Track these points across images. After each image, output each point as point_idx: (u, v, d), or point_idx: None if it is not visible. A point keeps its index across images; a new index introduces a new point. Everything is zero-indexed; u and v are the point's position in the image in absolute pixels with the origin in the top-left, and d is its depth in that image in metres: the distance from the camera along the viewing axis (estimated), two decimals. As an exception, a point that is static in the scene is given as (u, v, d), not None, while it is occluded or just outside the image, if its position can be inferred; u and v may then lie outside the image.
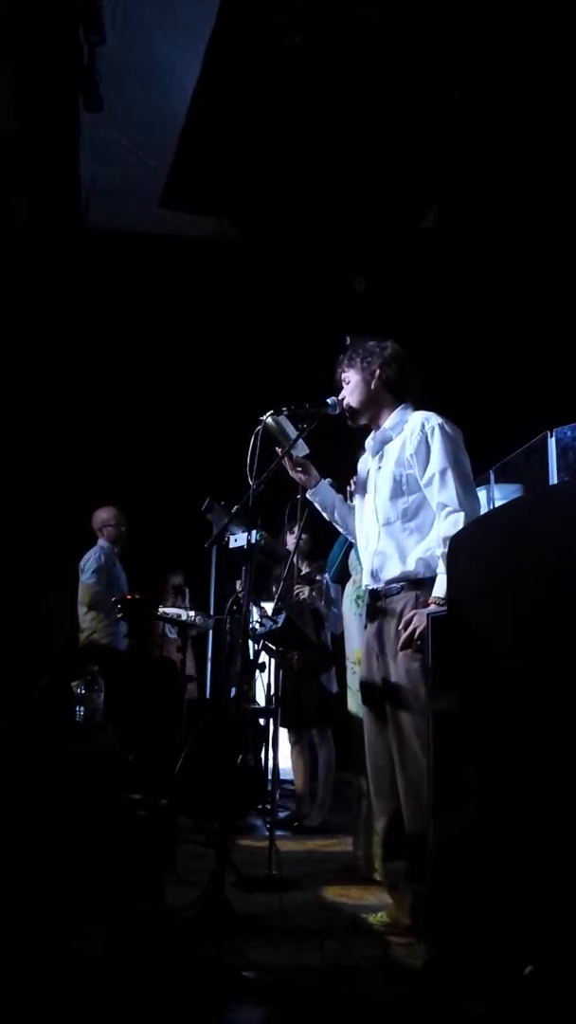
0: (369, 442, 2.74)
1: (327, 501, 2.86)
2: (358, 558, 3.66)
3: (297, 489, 2.93)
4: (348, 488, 3.09)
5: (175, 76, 4.81)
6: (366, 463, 2.78)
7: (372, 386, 2.67)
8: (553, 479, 4.82)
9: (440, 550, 2.39)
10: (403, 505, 2.54)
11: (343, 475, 3.31)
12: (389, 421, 2.66)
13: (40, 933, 2.26)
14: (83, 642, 4.84)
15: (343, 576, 3.93)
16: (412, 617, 2.38)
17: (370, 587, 2.66)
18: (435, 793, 1.99)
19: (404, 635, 2.39)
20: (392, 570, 2.54)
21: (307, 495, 2.86)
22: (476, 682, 1.58)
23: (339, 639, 4.52)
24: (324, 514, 2.91)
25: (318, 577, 4.57)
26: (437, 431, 2.50)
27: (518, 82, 4.57)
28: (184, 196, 5.77)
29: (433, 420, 2.53)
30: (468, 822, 1.68)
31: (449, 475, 2.45)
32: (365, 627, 2.70)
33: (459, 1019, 1.56)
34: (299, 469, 2.77)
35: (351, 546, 3.81)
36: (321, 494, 2.84)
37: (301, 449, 2.77)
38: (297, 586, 4.55)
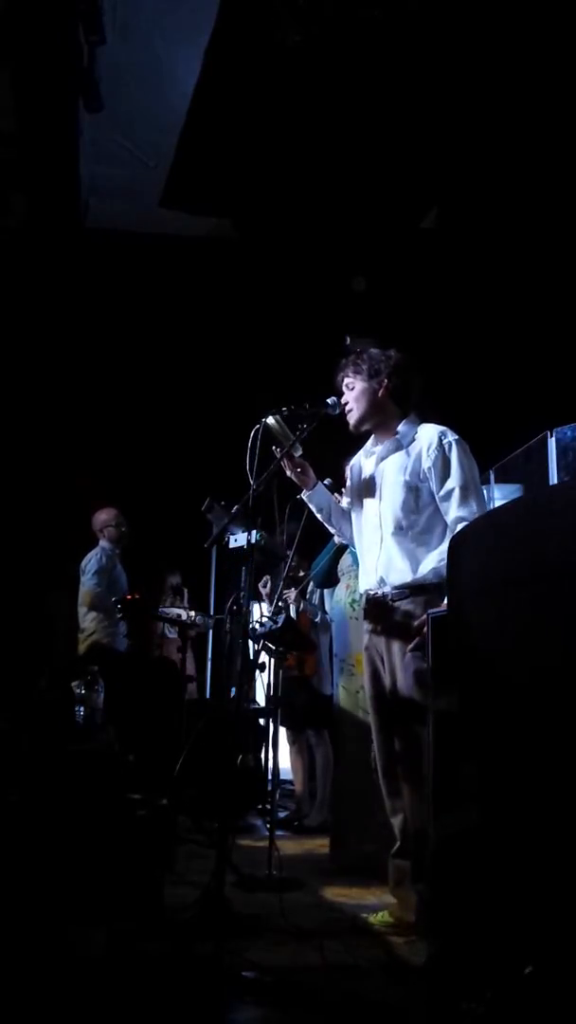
0: (372, 447, 2.74)
1: (323, 503, 2.87)
2: (353, 561, 3.67)
3: (295, 489, 2.94)
4: (342, 492, 3.10)
5: (175, 76, 4.80)
6: (364, 467, 2.79)
7: (379, 395, 2.69)
8: (553, 479, 4.83)
9: None
10: (415, 515, 2.57)
11: (340, 476, 3.31)
12: (399, 430, 2.68)
13: (40, 933, 2.26)
14: (84, 643, 4.83)
15: (331, 581, 3.94)
16: (423, 621, 2.40)
17: (372, 592, 2.66)
18: (435, 793, 1.99)
19: (416, 639, 2.41)
20: (401, 577, 2.56)
21: (303, 496, 2.86)
22: (476, 682, 1.58)
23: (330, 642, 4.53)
24: (319, 516, 2.92)
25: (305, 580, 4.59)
26: (455, 446, 2.56)
27: (519, 81, 4.56)
28: (184, 196, 5.76)
29: (450, 435, 2.60)
30: (468, 822, 1.68)
31: (470, 491, 2.52)
32: (367, 630, 2.70)
33: (459, 1019, 1.56)
34: (298, 470, 2.78)
35: (340, 552, 3.82)
36: (318, 496, 2.85)
37: (295, 450, 2.77)
38: (286, 592, 4.56)
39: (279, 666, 3.66)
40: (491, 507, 4.25)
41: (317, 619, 4.57)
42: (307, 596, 4.62)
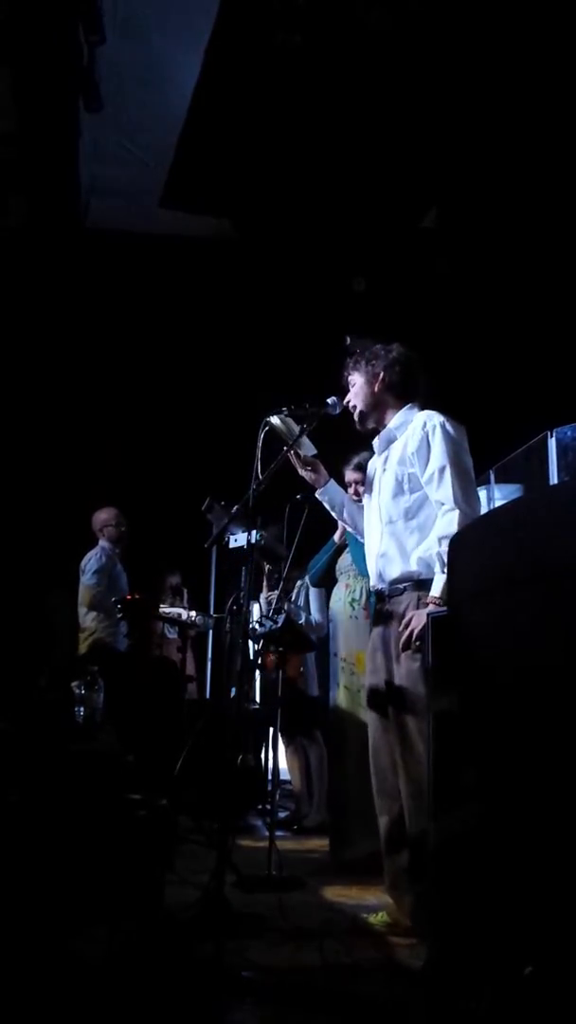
0: (375, 442, 2.74)
1: (336, 500, 2.86)
2: (352, 560, 3.68)
3: (293, 490, 2.94)
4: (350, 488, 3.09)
5: (175, 76, 4.81)
6: (374, 463, 2.78)
7: (376, 388, 2.67)
8: (553, 479, 4.83)
9: (437, 549, 2.39)
10: (405, 504, 2.54)
11: (338, 479, 3.31)
12: (394, 421, 2.66)
13: (40, 933, 2.26)
14: (84, 642, 4.83)
15: (328, 581, 3.94)
16: (411, 618, 2.39)
17: (374, 587, 2.66)
18: (435, 793, 1.99)
19: (404, 635, 2.40)
20: (395, 570, 2.54)
21: (316, 494, 2.86)
22: (476, 682, 1.58)
23: (321, 643, 4.53)
24: (333, 513, 2.91)
25: (298, 583, 4.59)
26: (438, 429, 2.50)
27: (518, 81, 4.57)
28: (184, 196, 5.77)
29: (435, 419, 2.53)
30: (468, 822, 1.68)
31: (447, 473, 2.44)
32: (371, 628, 2.71)
33: (459, 1019, 1.56)
34: (308, 468, 2.77)
35: (339, 551, 3.83)
36: (330, 493, 2.84)
37: (309, 448, 2.77)
38: (271, 593, 4.56)
39: (280, 666, 3.66)
40: (491, 507, 4.25)
41: (301, 620, 4.56)
42: (291, 598, 4.61)
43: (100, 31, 4.27)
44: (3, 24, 4.08)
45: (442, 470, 2.45)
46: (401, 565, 2.52)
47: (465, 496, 2.44)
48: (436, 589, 2.35)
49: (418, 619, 2.34)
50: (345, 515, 2.88)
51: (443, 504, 2.44)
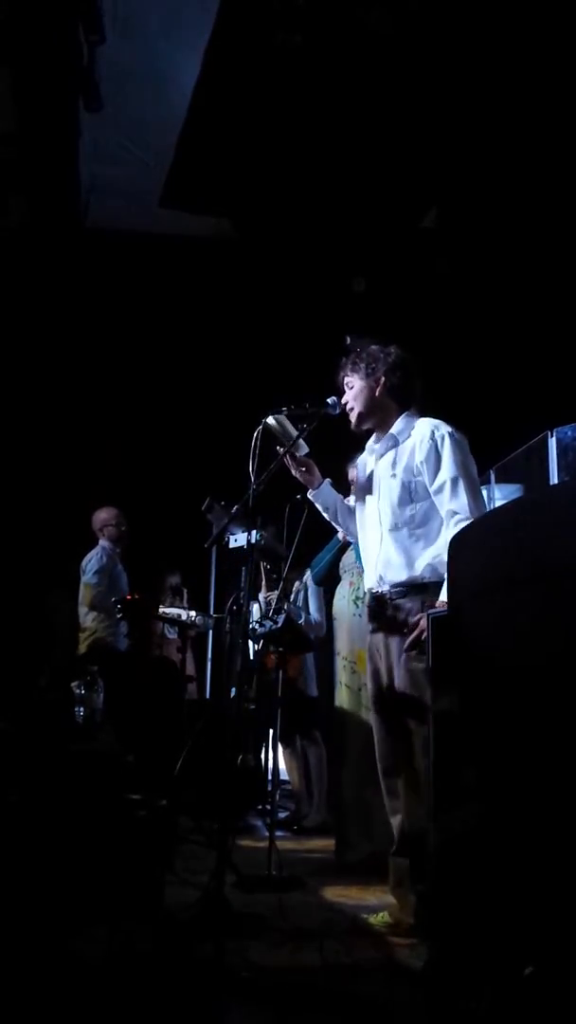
0: (373, 445, 2.74)
1: (329, 501, 2.87)
2: (356, 558, 3.67)
3: (294, 490, 2.94)
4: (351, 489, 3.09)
5: (175, 76, 4.81)
6: (367, 465, 2.78)
7: (377, 392, 2.67)
8: (553, 479, 4.83)
9: None
10: (411, 512, 2.55)
11: (341, 475, 3.31)
12: (396, 427, 2.67)
13: (40, 933, 2.26)
14: (84, 642, 4.83)
15: (331, 579, 3.94)
16: (419, 619, 2.39)
17: (374, 590, 2.66)
18: (435, 793, 1.99)
19: (410, 637, 2.40)
20: (399, 575, 2.55)
21: (309, 495, 2.86)
22: (476, 682, 1.58)
23: (322, 643, 4.53)
24: (325, 515, 2.92)
25: (296, 583, 4.59)
26: (447, 439, 2.52)
27: (518, 81, 4.57)
28: (184, 196, 5.77)
29: (443, 428, 2.56)
30: (469, 822, 1.68)
31: (460, 483, 2.47)
32: (369, 628, 2.71)
33: (459, 1019, 1.56)
34: (303, 469, 2.78)
35: (343, 549, 3.83)
36: (323, 494, 2.85)
37: (300, 449, 2.77)
38: (269, 593, 4.56)
39: (280, 666, 3.66)
40: (491, 507, 4.25)
41: (301, 620, 4.55)
42: (290, 598, 4.61)
43: (100, 31, 4.27)
44: (3, 24, 4.08)
45: (455, 480, 2.48)
46: (406, 571, 2.54)
47: (477, 505, 2.47)
48: (446, 595, 2.36)
49: (425, 621, 2.35)
50: (338, 517, 2.89)
51: (456, 513, 2.45)
